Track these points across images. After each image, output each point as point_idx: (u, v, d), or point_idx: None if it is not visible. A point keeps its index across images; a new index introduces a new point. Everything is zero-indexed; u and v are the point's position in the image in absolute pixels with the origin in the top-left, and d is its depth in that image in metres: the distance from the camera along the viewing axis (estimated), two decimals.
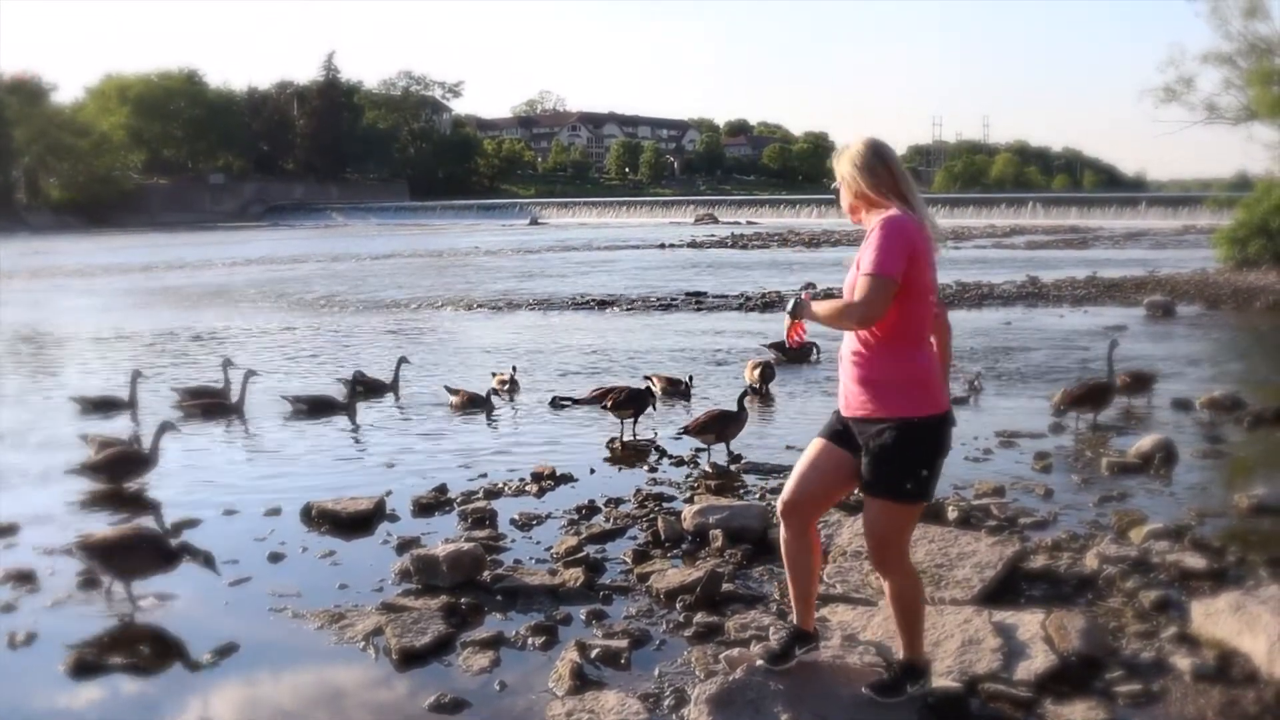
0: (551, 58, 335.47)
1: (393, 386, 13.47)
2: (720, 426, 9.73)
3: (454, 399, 12.44)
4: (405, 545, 7.33)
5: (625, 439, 10.52)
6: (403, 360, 13.95)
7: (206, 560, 6.39)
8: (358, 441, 10.96)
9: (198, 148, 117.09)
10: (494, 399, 12.59)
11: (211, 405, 12.37)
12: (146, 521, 7.92)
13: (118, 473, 9.08)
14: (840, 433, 4.71)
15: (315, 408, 12.27)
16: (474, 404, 12.35)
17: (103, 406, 12.30)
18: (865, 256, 4.37)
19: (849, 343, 4.60)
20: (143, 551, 6.37)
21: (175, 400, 12.69)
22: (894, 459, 4.48)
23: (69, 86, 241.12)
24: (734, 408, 9.87)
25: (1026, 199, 78.23)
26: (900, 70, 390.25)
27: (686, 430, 9.89)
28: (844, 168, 4.62)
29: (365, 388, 13.17)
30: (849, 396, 4.61)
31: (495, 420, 11.86)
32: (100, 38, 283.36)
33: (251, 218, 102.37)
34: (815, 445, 4.81)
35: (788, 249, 45.84)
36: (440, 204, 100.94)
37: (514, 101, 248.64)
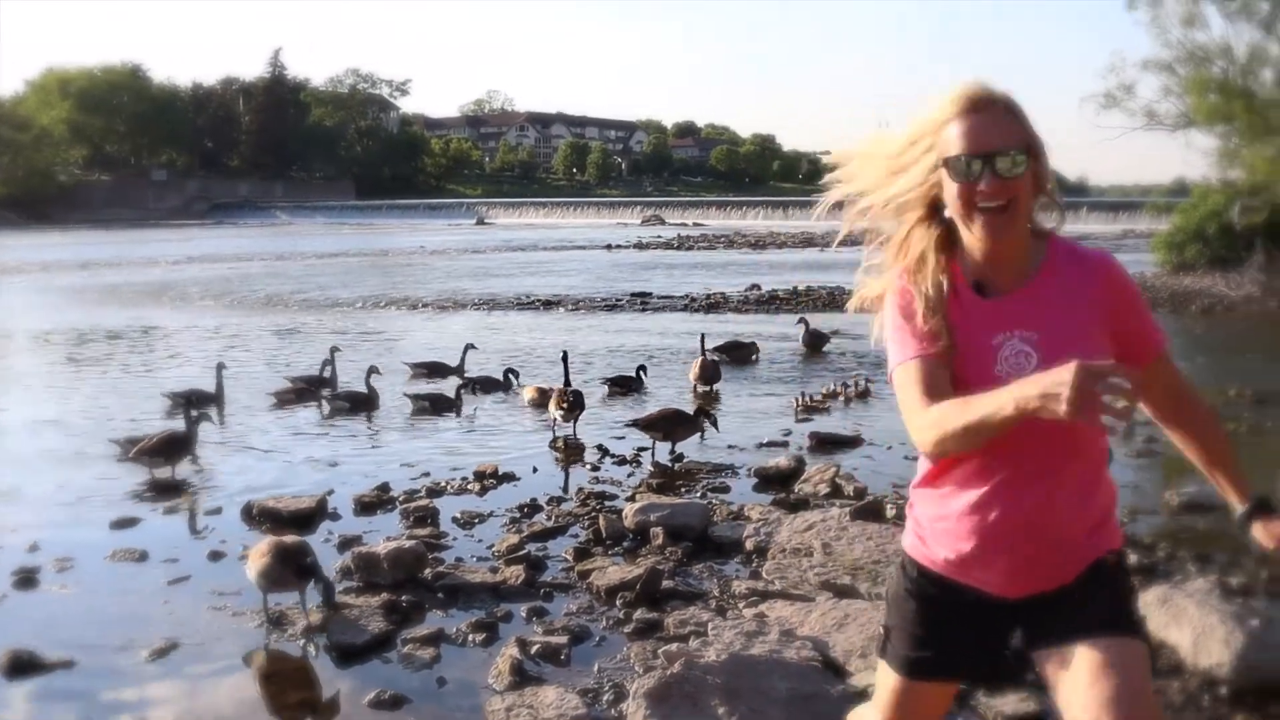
0: (500, 57, 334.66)
1: (458, 370, 14.02)
2: (669, 425, 9.78)
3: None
4: (347, 543, 7.31)
5: (567, 438, 10.55)
6: (470, 346, 14.49)
7: (327, 590, 6.04)
8: (301, 440, 10.91)
9: (141, 143, 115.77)
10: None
11: (305, 390, 12.96)
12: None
13: (170, 453, 9.27)
14: (939, 659, 2.86)
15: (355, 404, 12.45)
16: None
17: (192, 401, 12.17)
18: (1139, 325, 2.75)
19: (1064, 471, 2.68)
20: (276, 563, 5.98)
21: (280, 387, 13.15)
22: (1133, 588, 2.89)
23: (8, 79, 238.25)
24: (690, 411, 9.99)
25: None
26: (846, 72, 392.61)
27: (636, 423, 9.94)
28: (1028, 131, 2.60)
29: (428, 370, 14.20)
30: (1057, 560, 2.69)
31: (442, 420, 11.84)
32: (41, 30, 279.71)
33: (195, 215, 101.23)
34: (902, 689, 2.93)
35: (734, 250, 46.02)
36: (386, 203, 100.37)
37: (462, 101, 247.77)
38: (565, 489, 8.88)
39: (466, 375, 13.75)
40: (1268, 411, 11.28)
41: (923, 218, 2.70)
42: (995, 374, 2.55)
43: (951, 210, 2.62)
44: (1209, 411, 2.90)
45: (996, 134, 2.54)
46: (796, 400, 12.18)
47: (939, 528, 2.76)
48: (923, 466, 2.81)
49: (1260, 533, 2.81)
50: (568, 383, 11.31)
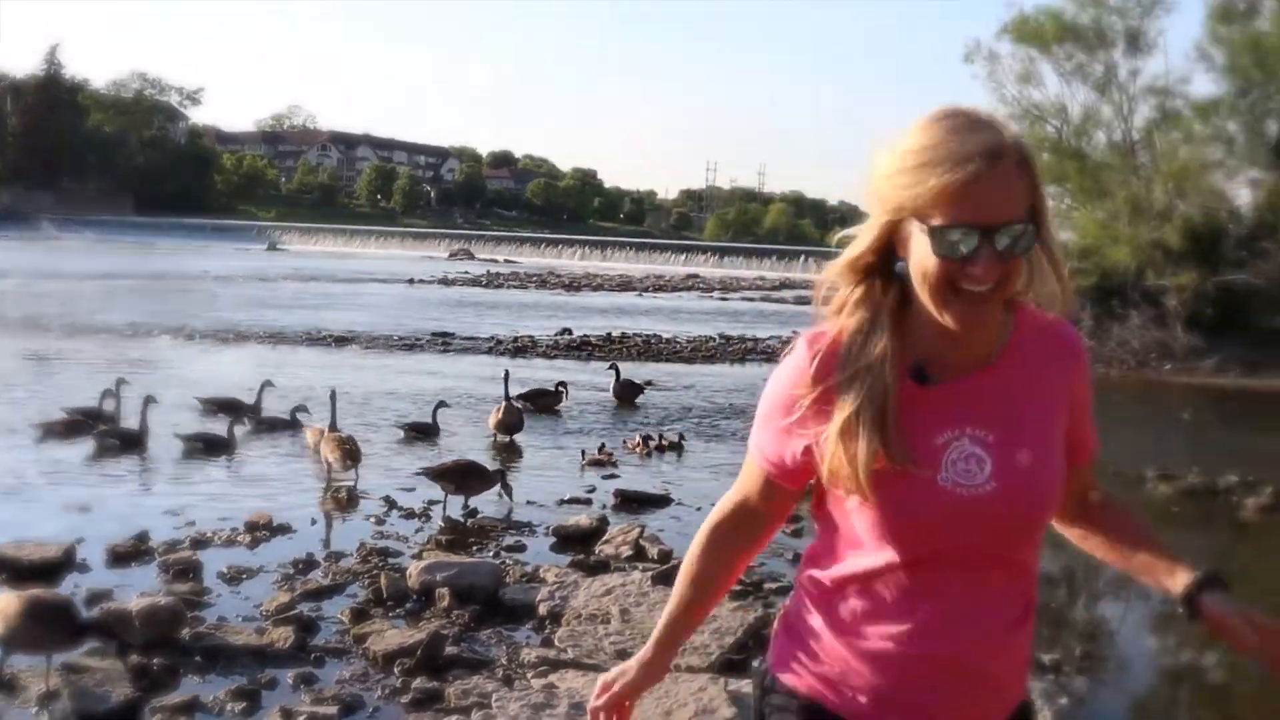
0: (303, 70, 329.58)
1: (254, 408, 13.60)
2: (461, 477, 9.74)
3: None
4: (95, 598, 7.03)
5: (350, 488, 10.40)
6: (267, 383, 14.07)
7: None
8: (57, 480, 10.51)
9: None
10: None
11: (78, 424, 12.42)
12: None
13: None
14: None
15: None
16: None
17: None
18: (1086, 422, 2.32)
19: (1001, 597, 2.23)
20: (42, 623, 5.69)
21: (51, 419, 12.58)
22: None
23: None
24: (489, 465, 9.97)
25: (799, 252, 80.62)
26: (676, 111, 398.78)
27: (427, 472, 9.85)
28: (1037, 190, 2.06)
29: (218, 408, 13.68)
30: (982, 705, 2.26)
31: (216, 462, 11.55)
32: None
33: None
34: None
35: (546, 291, 46.12)
36: (169, 221, 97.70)
37: (259, 115, 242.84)
38: (344, 543, 8.72)
39: (264, 415, 13.49)
40: None
41: (870, 270, 2.15)
42: (940, 485, 2.11)
43: (918, 283, 2.05)
44: (1122, 502, 2.49)
45: (1004, 200, 1.98)
46: (584, 454, 12.27)
47: (844, 663, 2.25)
48: (815, 580, 2.30)
49: (1221, 618, 2.22)
50: (334, 425, 11.13)
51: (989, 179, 1.95)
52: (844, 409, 2.10)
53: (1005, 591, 2.21)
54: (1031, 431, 2.16)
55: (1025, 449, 2.14)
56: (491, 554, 8.53)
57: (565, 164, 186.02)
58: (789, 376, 2.20)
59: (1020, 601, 2.23)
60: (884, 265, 2.12)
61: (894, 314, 2.13)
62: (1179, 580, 2.27)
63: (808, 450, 2.17)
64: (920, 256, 2.03)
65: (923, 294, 2.06)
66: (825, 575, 2.27)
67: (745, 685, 5.74)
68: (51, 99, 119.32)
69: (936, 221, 1.98)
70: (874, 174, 2.08)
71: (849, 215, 2.33)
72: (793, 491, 2.31)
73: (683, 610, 2.45)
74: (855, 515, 2.17)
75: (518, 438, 13.11)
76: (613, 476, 11.40)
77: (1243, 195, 27.41)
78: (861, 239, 2.12)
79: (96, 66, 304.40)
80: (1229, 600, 2.23)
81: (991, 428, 2.13)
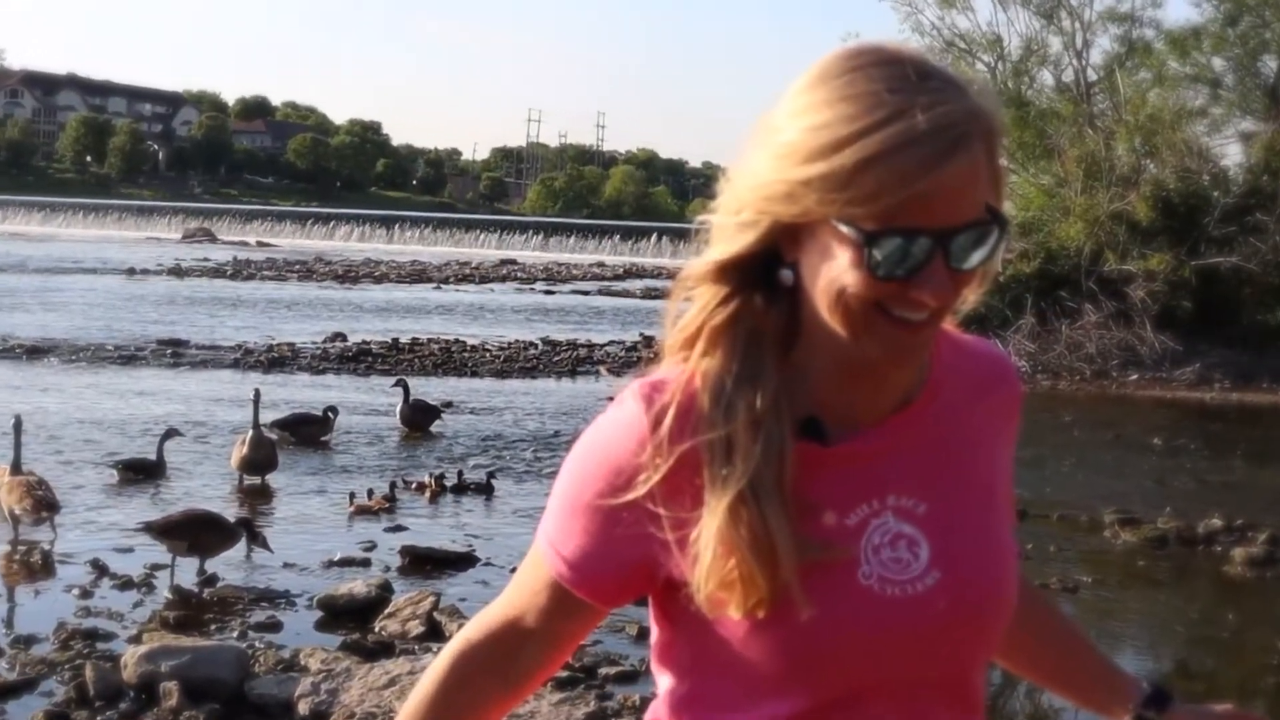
0: None
1: None
2: (195, 533, 9.65)
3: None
4: None
5: (43, 547, 10.26)
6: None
7: None
8: None
9: None
10: None
11: None
12: None
13: None
14: None
15: None
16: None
17: None
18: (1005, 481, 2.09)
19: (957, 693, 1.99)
20: None
21: None
22: None
23: None
24: (227, 517, 9.91)
25: (650, 229, 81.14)
26: (486, 44, 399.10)
27: (150, 527, 9.74)
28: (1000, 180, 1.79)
29: None
30: None
31: None
32: None
33: None
34: None
35: (313, 283, 45.83)
36: None
37: None
38: (37, 624, 8.60)
39: None
40: (1024, 531, 11.38)
41: (746, 279, 1.84)
42: (862, 584, 1.82)
43: (825, 303, 1.76)
44: (1047, 595, 2.38)
45: (966, 193, 1.69)
46: (352, 498, 12.30)
47: None
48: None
49: None
50: (18, 464, 10.94)
51: (951, 166, 1.65)
52: (726, 486, 1.77)
53: None
54: (975, 493, 1.95)
55: (971, 519, 1.92)
56: (235, 635, 8.49)
57: (339, 115, 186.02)
58: (617, 440, 1.88)
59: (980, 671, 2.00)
60: (764, 271, 1.83)
61: (778, 344, 1.85)
62: (1122, 702, 2.24)
63: (646, 554, 1.86)
64: (835, 270, 1.73)
65: (831, 317, 1.76)
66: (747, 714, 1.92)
67: None
68: None
69: (869, 225, 1.67)
70: (762, 154, 1.77)
71: (715, 179, 1.95)
72: (598, 612, 1.99)
73: None
74: (741, 646, 1.84)
75: (270, 478, 13.07)
76: (398, 529, 11.38)
77: (1231, 153, 27.75)
78: (732, 238, 1.82)
79: None
80: (1184, 710, 2.23)
81: (922, 494, 1.89)
